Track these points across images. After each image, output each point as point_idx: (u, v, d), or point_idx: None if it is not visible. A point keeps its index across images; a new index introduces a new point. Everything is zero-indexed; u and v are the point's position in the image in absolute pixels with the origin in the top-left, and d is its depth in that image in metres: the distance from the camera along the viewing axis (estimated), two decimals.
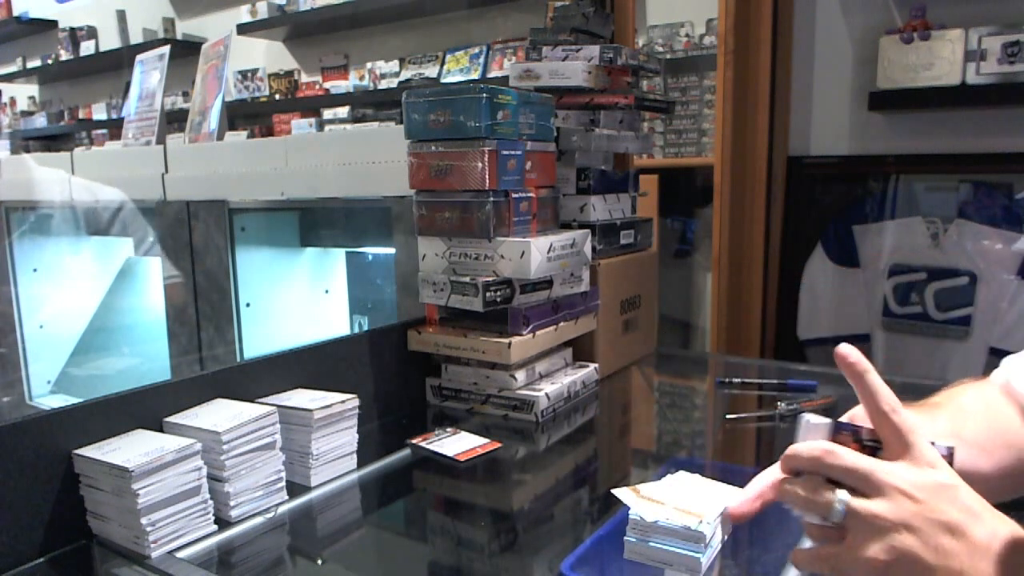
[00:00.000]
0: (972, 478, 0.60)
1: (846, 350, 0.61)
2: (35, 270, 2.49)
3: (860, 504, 0.55)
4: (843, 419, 0.65)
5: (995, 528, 0.53)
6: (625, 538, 0.78)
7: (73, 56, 5.39)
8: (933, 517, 0.53)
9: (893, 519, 0.53)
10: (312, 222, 2.05)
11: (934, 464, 0.56)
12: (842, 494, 0.57)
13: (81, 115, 5.65)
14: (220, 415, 0.90)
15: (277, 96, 4.41)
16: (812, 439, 0.62)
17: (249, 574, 0.82)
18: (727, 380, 1.43)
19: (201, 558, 0.82)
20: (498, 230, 1.21)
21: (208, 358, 1.99)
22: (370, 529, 0.95)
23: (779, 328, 2.18)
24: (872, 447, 0.60)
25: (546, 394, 1.25)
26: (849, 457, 0.58)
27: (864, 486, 0.56)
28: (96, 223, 2.30)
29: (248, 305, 1.95)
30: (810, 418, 0.63)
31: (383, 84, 3.97)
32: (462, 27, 3.77)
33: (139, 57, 2.47)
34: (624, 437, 1.29)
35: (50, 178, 2.28)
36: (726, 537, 0.81)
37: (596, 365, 1.43)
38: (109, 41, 5.25)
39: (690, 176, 2.69)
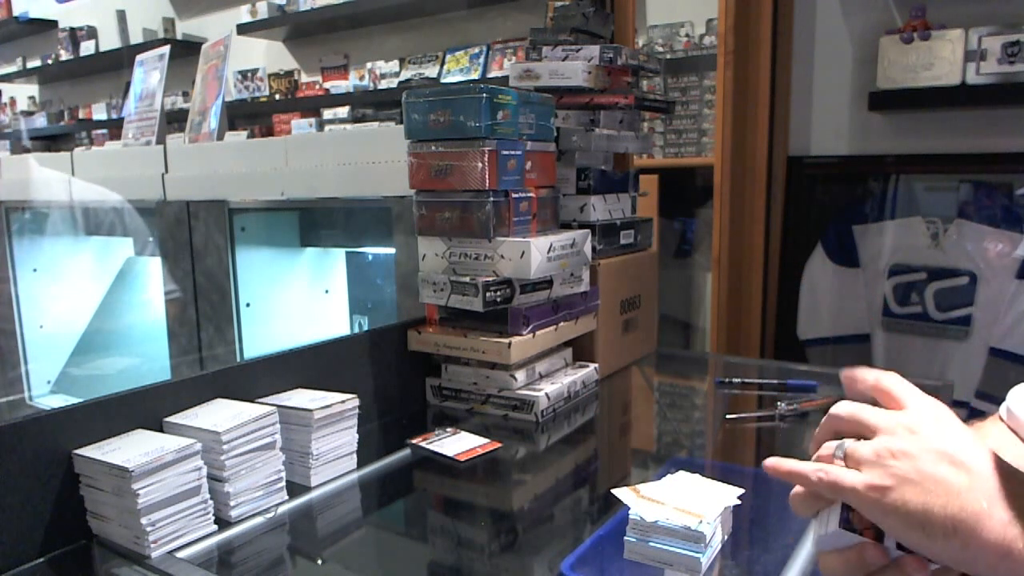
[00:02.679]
0: None
1: (850, 374, 0.62)
2: (35, 270, 2.49)
3: (857, 444, 0.56)
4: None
5: (991, 456, 0.54)
6: (625, 538, 0.78)
7: (73, 56, 5.38)
8: (929, 446, 0.53)
9: (890, 449, 0.54)
10: (312, 222, 2.05)
11: (927, 405, 0.57)
12: (842, 442, 0.57)
13: (81, 115, 5.65)
14: (220, 415, 0.90)
15: (277, 96, 4.41)
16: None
17: (249, 574, 0.82)
18: (727, 380, 1.43)
19: (201, 558, 0.82)
20: (498, 230, 1.21)
21: (208, 358, 1.99)
22: (370, 529, 0.95)
23: (779, 328, 2.18)
24: None
25: (546, 394, 1.25)
26: (846, 409, 0.58)
27: (863, 431, 0.57)
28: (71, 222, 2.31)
29: (248, 305, 1.95)
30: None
31: (383, 84, 3.97)
32: (462, 27, 3.77)
33: (139, 57, 2.47)
34: (624, 437, 1.29)
35: (50, 178, 2.29)
36: (726, 537, 0.81)
37: (596, 365, 1.43)
38: (109, 41, 5.25)
39: (690, 176, 2.69)
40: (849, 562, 0.56)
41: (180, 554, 0.82)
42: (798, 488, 0.59)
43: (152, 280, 2.37)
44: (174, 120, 3.68)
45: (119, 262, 2.50)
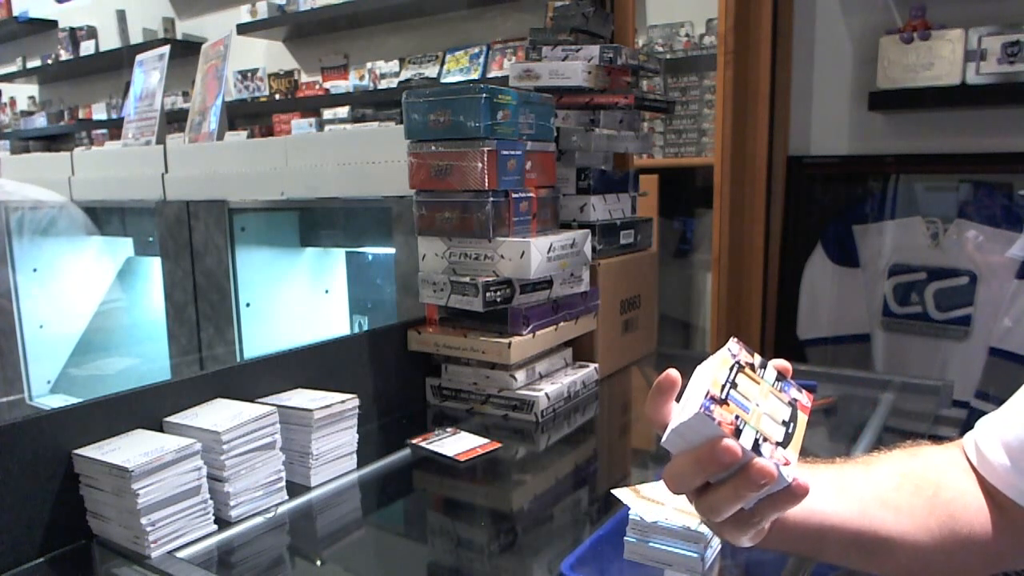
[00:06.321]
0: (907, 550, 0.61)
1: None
2: (35, 270, 2.48)
3: None
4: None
5: None
6: (625, 538, 0.78)
7: (73, 56, 5.38)
8: None
9: None
10: (312, 222, 2.05)
11: None
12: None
13: (81, 115, 5.64)
14: (220, 415, 0.90)
15: (277, 96, 4.41)
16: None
17: (249, 574, 0.82)
18: None
19: (201, 558, 0.82)
20: (498, 230, 1.21)
21: (208, 358, 1.99)
22: (370, 529, 0.95)
23: (779, 328, 2.18)
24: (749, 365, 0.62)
25: (546, 394, 1.25)
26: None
27: None
28: None
29: (248, 305, 1.95)
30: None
31: (383, 84, 3.96)
32: (462, 27, 3.77)
33: (139, 57, 2.47)
34: (624, 437, 1.29)
35: None
36: None
37: (596, 365, 1.43)
38: (109, 41, 5.24)
39: (690, 176, 2.69)
40: (699, 460, 0.52)
41: (180, 554, 0.82)
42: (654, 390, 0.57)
43: (152, 280, 2.37)
44: (174, 120, 3.68)
45: (119, 262, 2.50)
